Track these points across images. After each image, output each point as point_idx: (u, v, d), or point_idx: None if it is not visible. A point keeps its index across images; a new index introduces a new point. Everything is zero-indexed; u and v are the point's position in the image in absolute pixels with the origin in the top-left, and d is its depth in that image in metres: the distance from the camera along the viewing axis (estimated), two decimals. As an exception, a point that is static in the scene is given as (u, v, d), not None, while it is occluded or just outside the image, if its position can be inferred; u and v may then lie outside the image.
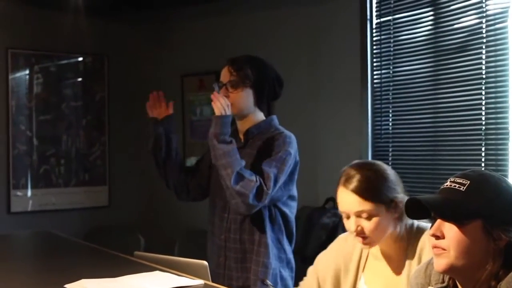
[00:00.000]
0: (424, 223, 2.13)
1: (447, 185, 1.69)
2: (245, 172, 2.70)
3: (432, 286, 1.76)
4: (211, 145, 2.75)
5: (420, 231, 2.14)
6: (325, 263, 2.33)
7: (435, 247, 1.67)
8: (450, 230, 1.63)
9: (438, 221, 1.67)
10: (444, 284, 1.74)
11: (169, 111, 3.13)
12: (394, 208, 2.12)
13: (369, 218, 2.10)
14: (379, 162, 2.24)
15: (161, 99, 3.15)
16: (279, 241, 2.90)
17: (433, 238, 1.67)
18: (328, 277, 2.29)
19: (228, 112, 2.75)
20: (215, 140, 2.72)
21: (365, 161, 2.31)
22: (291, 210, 2.93)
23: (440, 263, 1.65)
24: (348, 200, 2.13)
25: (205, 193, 3.11)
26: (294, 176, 2.88)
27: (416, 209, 1.70)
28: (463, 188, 1.64)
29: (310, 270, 2.41)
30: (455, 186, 1.66)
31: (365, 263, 2.23)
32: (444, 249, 1.64)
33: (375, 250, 2.21)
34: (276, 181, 2.73)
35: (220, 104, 2.74)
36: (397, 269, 2.15)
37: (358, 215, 2.11)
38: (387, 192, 2.12)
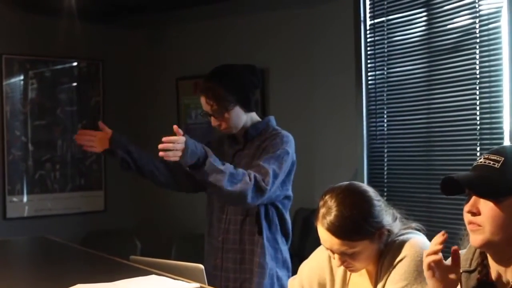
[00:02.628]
0: (409, 235, 2.07)
1: (480, 162, 1.71)
2: (237, 174, 2.64)
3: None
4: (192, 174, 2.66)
5: (402, 244, 2.05)
6: (309, 273, 2.27)
7: (470, 223, 1.69)
8: (486, 207, 1.65)
9: (474, 197, 1.68)
10: (471, 268, 1.77)
11: (107, 132, 2.86)
12: (379, 238, 2.04)
13: (352, 254, 2.01)
14: (363, 189, 2.08)
15: (88, 132, 2.90)
16: (276, 240, 2.90)
17: (469, 215, 1.69)
18: (315, 287, 2.25)
19: (181, 144, 2.55)
20: (192, 171, 2.62)
21: (348, 188, 2.06)
22: (286, 210, 2.94)
23: (476, 239, 1.67)
24: (328, 240, 2.03)
25: (195, 187, 3.06)
26: (291, 176, 2.88)
27: (449, 185, 1.71)
28: (497, 165, 1.66)
29: (294, 281, 2.35)
30: (489, 163, 1.68)
31: (349, 278, 2.19)
32: (479, 225, 1.66)
33: None
34: (275, 177, 2.72)
35: (171, 152, 2.54)
36: (375, 283, 2.10)
37: (341, 253, 2.02)
38: (369, 227, 2.00)
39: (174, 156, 2.53)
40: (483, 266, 1.73)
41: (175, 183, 3.05)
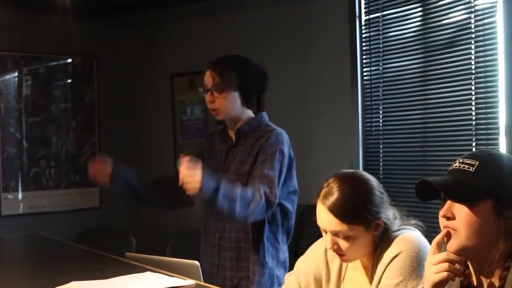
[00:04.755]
0: (404, 231, 2.06)
1: (456, 166, 1.68)
2: (248, 196, 2.61)
3: None
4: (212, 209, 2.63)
5: (398, 239, 2.04)
6: (305, 268, 2.27)
7: (446, 227, 1.67)
8: (461, 211, 1.63)
9: (448, 202, 1.66)
10: None
11: (107, 169, 2.88)
12: (374, 228, 2.04)
13: (346, 238, 2.02)
14: (366, 178, 2.11)
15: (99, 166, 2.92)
16: (277, 240, 2.88)
17: (444, 219, 1.67)
18: (311, 282, 2.24)
19: (199, 176, 2.49)
20: (208, 205, 2.59)
21: (353, 174, 2.13)
22: (292, 204, 2.89)
23: (452, 244, 1.65)
24: (324, 218, 2.05)
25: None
26: (292, 172, 2.85)
27: (426, 190, 1.70)
28: (472, 169, 1.64)
29: (290, 277, 2.34)
30: (464, 167, 1.66)
31: (345, 272, 2.19)
32: (455, 230, 1.64)
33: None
34: (278, 183, 2.72)
35: (191, 181, 2.50)
36: (371, 278, 2.09)
37: (335, 234, 2.04)
38: (367, 214, 2.01)
39: (194, 189, 2.50)
40: (465, 275, 1.70)
41: (181, 202, 2.99)
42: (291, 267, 2.45)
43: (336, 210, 2.01)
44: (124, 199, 2.96)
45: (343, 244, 2.04)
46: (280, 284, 2.85)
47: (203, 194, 2.52)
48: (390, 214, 2.08)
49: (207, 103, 2.87)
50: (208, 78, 2.84)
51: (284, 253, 2.92)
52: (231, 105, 2.85)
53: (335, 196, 2.03)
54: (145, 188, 2.96)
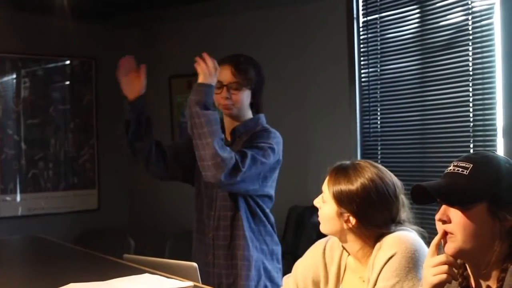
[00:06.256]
0: (399, 232, 2.07)
1: (450, 170, 1.68)
2: (224, 147, 2.64)
3: None
4: (192, 113, 2.65)
5: (393, 240, 2.05)
6: (303, 270, 2.28)
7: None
8: (456, 215, 1.63)
9: (444, 206, 1.67)
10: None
11: (141, 85, 3.08)
12: (345, 220, 2.09)
13: (324, 199, 2.15)
14: (391, 184, 2.12)
15: (131, 68, 3.14)
16: (260, 232, 2.87)
17: (440, 223, 1.67)
18: (309, 285, 2.24)
19: (214, 81, 2.69)
20: (198, 107, 2.64)
21: (378, 171, 2.15)
22: (268, 208, 2.90)
23: (449, 247, 1.65)
24: (324, 183, 2.17)
25: (185, 172, 3.02)
26: (274, 174, 2.85)
27: (421, 194, 1.70)
28: (466, 172, 1.64)
29: (288, 279, 2.34)
30: (458, 170, 1.66)
31: (343, 275, 2.20)
32: (451, 233, 1.65)
33: (352, 263, 2.18)
34: (253, 162, 2.67)
35: (207, 69, 2.68)
36: (368, 279, 2.10)
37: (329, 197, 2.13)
38: (349, 203, 2.08)
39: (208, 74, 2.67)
40: (464, 277, 1.71)
41: (165, 168, 2.99)
42: (289, 268, 2.45)
43: (338, 185, 2.10)
44: (131, 128, 2.93)
45: (323, 207, 2.14)
46: (269, 277, 2.86)
47: (203, 91, 2.65)
48: (386, 218, 2.08)
49: (220, 98, 2.85)
50: (226, 73, 2.83)
51: (271, 245, 2.91)
52: (244, 103, 2.89)
53: (349, 183, 2.09)
54: (146, 135, 2.94)
